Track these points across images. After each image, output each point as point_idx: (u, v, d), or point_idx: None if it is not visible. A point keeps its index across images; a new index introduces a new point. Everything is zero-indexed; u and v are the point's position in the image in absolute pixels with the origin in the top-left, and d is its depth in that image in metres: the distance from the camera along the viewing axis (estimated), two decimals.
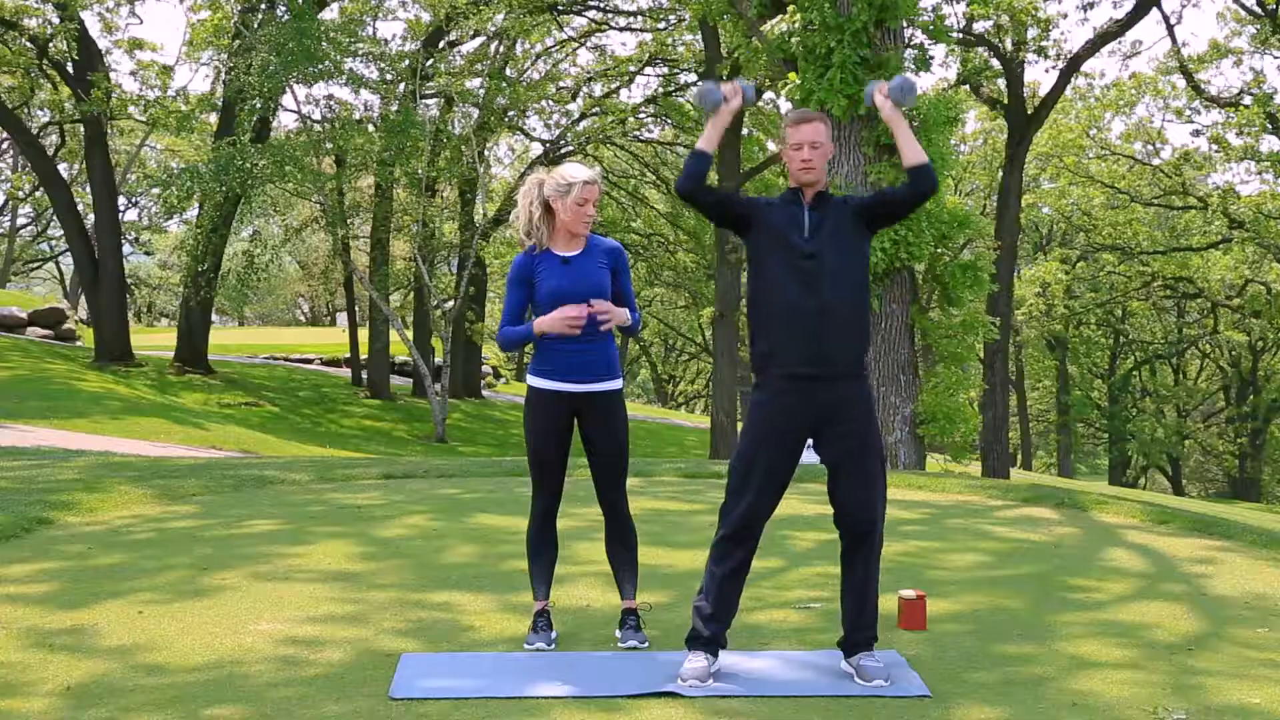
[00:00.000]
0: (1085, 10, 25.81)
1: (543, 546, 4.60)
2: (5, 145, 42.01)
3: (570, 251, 4.49)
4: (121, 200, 36.14)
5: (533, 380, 4.53)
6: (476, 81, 27.30)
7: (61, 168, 32.99)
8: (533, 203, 4.48)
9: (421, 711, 3.69)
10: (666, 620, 4.78)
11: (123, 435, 16.47)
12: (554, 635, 4.51)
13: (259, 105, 23.01)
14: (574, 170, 4.49)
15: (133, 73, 29.65)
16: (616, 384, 4.54)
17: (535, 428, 4.53)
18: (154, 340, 33.60)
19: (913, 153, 4.04)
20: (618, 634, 4.56)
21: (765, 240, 4.11)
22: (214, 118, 27.96)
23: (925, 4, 18.94)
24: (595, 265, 4.48)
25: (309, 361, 35.52)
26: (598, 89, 31.90)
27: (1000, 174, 26.98)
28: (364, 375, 30.38)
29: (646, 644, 4.49)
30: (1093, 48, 22.94)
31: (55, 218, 34.59)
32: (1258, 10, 26.59)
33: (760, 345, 4.11)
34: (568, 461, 4.60)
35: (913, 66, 18.17)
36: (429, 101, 27.03)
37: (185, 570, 5.53)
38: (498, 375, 41.49)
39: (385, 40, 26.23)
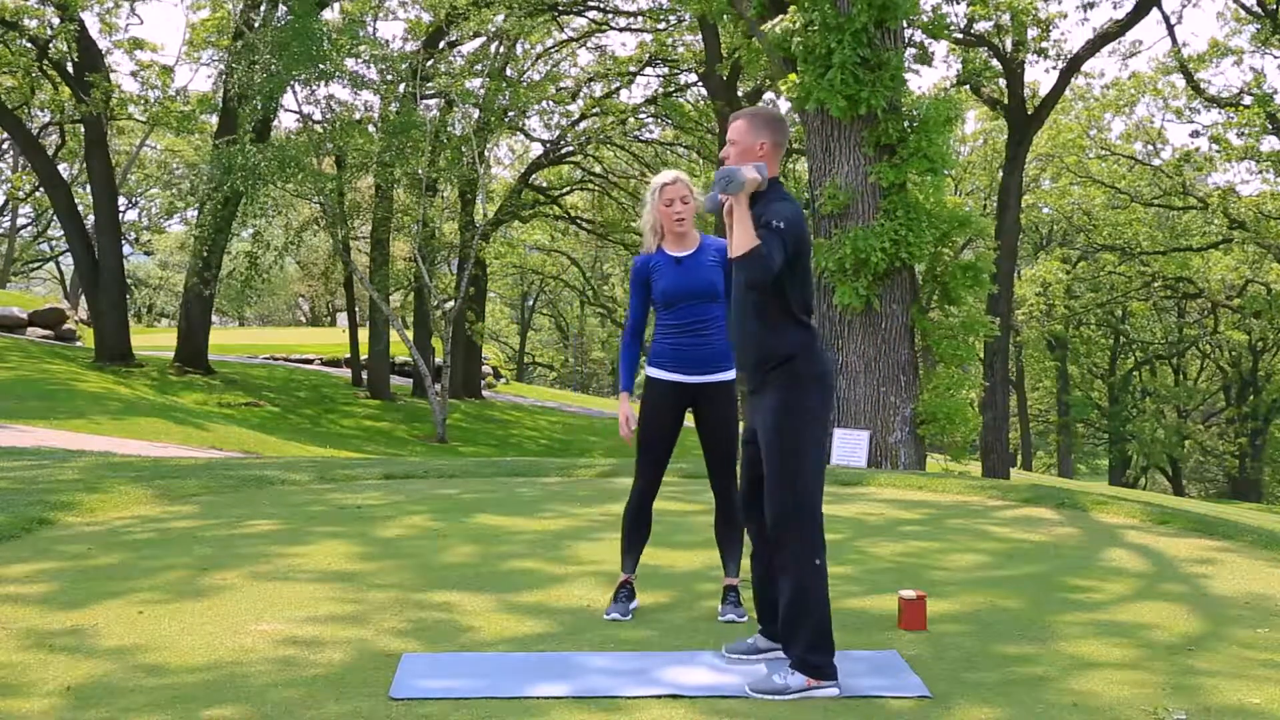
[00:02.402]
0: (1085, 10, 25.78)
1: (638, 525, 4.89)
2: (5, 145, 42.01)
3: (682, 251, 4.77)
4: (121, 200, 36.17)
5: (650, 371, 4.82)
6: (477, 82, 27.30)
7: (61, 168, 33.01)
8: (648, 213, 4.78)
9: (421, 711, 3.69)
10: (666, 620, 4.78)
11: (123, 435, 16.47)
12: (633, 605, 4.83)
13: (260, 105, 23.02)
14: (659, 177, 4.77)
15: (133, 73, 29.64)
16: (730, 375, 4.77)
17: (647, 415, 4.81)
18: (154, 340, 33.60)
19: (735, 243, 3.95)
20: (719, 609, 4.82)
21: None
22: (214, 118, 27.97)
23: (925, 4, 18.97)
24: (706, 264, 4.74)
25: (309, 362, 35.52)
26: (598, 89, 31.92)
27: (1000, 174, 27.00)
28: (364, 375, 30.38)
29: (745, 618, 4.72)
30: (1093, 48, 22.95)
31: (55, 218, 34.60)
32: (1258, 10, 26.58)
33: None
34: (672, 451, 4.84)
35: (913, 66, 18.17)
36: (429, 102, 27.04)
37: (185, 570, 5.53)
38: (498, 375, 41.51)
39: (385, 41, 26.24)
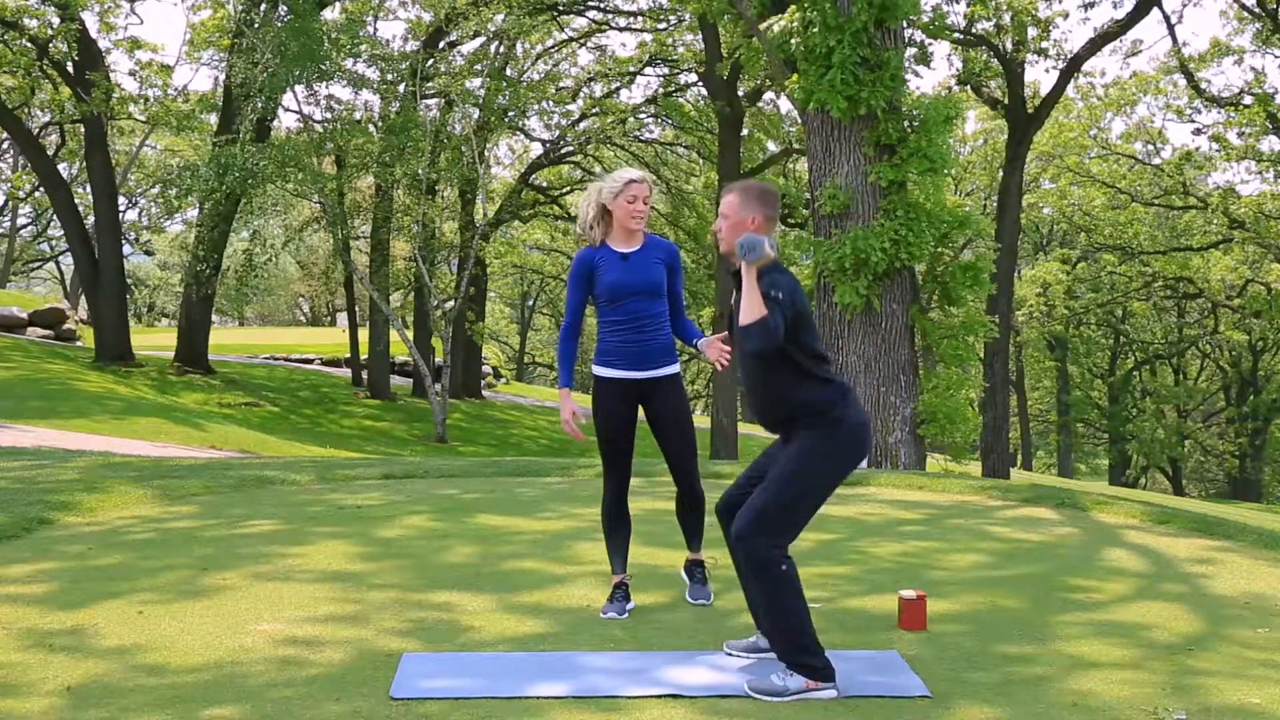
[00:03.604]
0: (1085, 10, 25.79)
1: (617, 524, 4.96)
2: (5, 145, 42.01)
3: (628, 248, 4.82)
4: (121, 200, 36.15)
5: (597, 370, 4.86)
6: (477, 82, 27.30)
7: (61, 168, 32.99)
8: (591, 205, 4.80)
9: (421, 711, 3.69)
10: (666, 620, 4.78)
11: (123, 435, 16.47)
12: (630, 606, 4.86)
13: (259, 105, 23.02)
14: (624, 172, 4.84)
15: (132, 72, 29.60)
16: (674, 369, 4.85)
17: (602, 415, 4.87)
18: (154, 340, 33.61)
19: (743, 312, 3.97)
20: (684, 577, 5.08)
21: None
22: (214, 118, 27.97)
23: (925, 4, 18.97)
24: (651, 261, 4.80)
25: (309, 362, 35.53)
26: (598, 89, 31.91)
27: (1000, 174, 26.99)
28: (364, 375, 30.38)
29: (711, 600, 4.93)
30: (1093, 47, 22.94)
31: (55, 218, 34.61)
32: (1259, 10, 26.58)
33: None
34: (634, 445, 4.91)
35: (913, 67, 18.14)
36: (429, 102, 27.04)
37: (185, 570, 5.53)
38: (498, 375, 41.53)
39: (386, 41, 26.24)
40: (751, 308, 3.93)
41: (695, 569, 5.06)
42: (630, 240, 4.81)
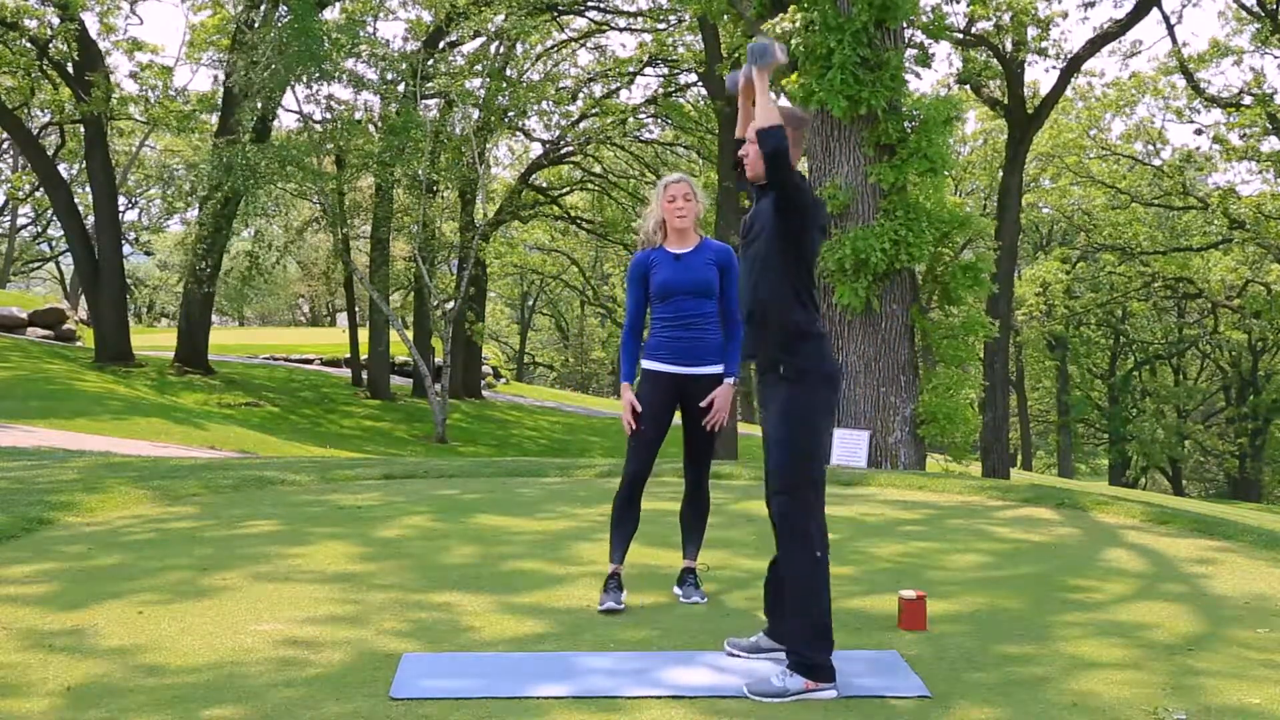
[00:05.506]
0: (1085, 10, 25.80)
1: (625, 514, 5.05)
2: (5, 145, 42.00)
3: (682, 249, 5.00)
4: (121, 200, 36.15)
5: (645, 363, 5.05)
6: (477, 82, 27.30)
7: (61, 168, 32.99)
8: (654, 212, 5.02)
9: (421, 712, 3.69)
10: (666, 620, 4.78)
11: (123, 435, 16.47)
12: (623, 596, 4.92)
13: (259, 105, 23.01)
14: (666, 177, 5.06)
15: (133, 74, 29.61)
16: (719, 368, 4.98)
17: (641, 404, 4.98)
18: (154, 340, 33.61)
19: (759, 116, 4.00)
20: (677, 590, 5.11)
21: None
22: (214, 118, 27.98)
23: (925, 3, 18.96)
24: (703, 262, 4.96)
25: (309, 362, 35.53)
26: (598, 90, 31.92)
27: (1000, 174, 26.98)
28: (364, 375, 30.38)
29: (705, 600, 5.02)
30: (1093, 48, 22.93)
31: (55, 218, 34.60)
32: (1258, 10, 26.57)
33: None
34: (661, 440, 5.01)
35: (913, 67, 18.13)
36: (429, 102, 27.04)
37: (185, 570, 5.52)
38: (498, 375, 41.52)
39: (386, 41, 26.23)
40: (766, 112, 3.97)
41: (687, 575, 5.14)
42: (683, 241, 4.99)
